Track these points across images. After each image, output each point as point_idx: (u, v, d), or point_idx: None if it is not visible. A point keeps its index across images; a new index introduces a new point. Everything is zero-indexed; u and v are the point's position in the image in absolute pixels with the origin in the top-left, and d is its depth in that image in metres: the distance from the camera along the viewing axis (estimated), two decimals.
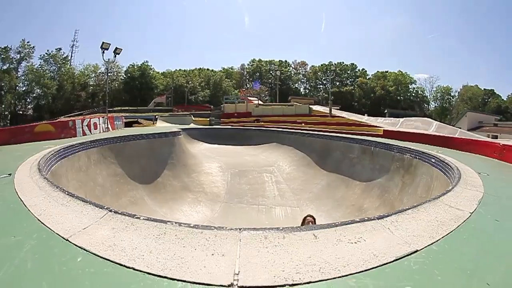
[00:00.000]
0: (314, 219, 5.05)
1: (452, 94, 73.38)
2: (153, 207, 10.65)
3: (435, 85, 74.71)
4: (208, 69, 76.21)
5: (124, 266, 2.32)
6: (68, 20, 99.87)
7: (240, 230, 2.95)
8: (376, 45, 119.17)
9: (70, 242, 2.67)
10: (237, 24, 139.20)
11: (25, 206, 3.58)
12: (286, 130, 22.16)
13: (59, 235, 2.80)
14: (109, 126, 17.82)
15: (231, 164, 15.93)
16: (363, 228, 2.98)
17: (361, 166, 12.60)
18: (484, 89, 69.64)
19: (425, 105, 75.53)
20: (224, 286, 2.12)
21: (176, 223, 3.11)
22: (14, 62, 55.48)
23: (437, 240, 2.80)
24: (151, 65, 69.27)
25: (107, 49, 18.04)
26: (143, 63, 68.14)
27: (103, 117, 17.77)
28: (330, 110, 29.58)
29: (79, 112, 38.81)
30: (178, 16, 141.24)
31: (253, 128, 25.51)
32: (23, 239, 2.75)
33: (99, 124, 16.47)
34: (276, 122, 28.59)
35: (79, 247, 2.59)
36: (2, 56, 53.64)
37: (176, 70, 74.03)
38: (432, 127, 18.57)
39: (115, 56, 19.50)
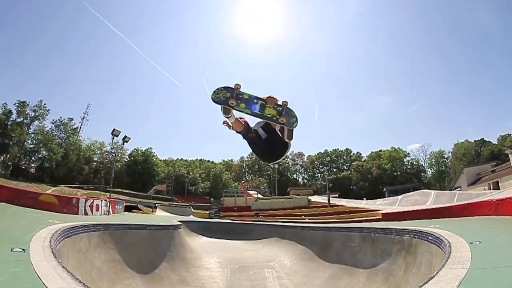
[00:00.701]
0: None
1: (445, 156, 74.42)
2: None
3: (428, 152, 76.38)
4: (208, 161, 78.92)
5: None
6: (83, 91, 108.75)
7: None
8: (369, 125, 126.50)
9: None
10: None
11: None
12: (285, 225, 22.12)
13: None
14: (110, 209, 18.24)
15: (231, 259, 15.61)
16: None
17: (362, 253, 12.40)
18: (475, 140, 71.26)
19: (422, 174, 75.78)
20: None
21: None
22: (28, 119, 57.81)
23: None
24: (154, 152, 71.68)
25: (117, 135, 19.58)
26: (146, 149, 70.82)
27: (106, 200, 18.38)
28: (329, 200, 29.92)
29: (79, 185, 38.58)
30: (183, 105, 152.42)
31: (253, 222, 25.42)
32: None
33: (101, 207, 16.98)
34: (275, 215, 28.63)
35: None
36: (19, 109, 56.08)
37: (177, 159, 76.59)
38: (431, 197, 19.02)
39: (123, 144, 21.00)
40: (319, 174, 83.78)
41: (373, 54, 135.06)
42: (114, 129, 19.55)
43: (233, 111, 3.79)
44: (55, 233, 7.23)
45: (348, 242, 13.94)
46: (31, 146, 59.79)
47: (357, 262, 12.17)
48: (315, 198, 35.34)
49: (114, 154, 25.34)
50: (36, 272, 4.19)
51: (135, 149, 70.41)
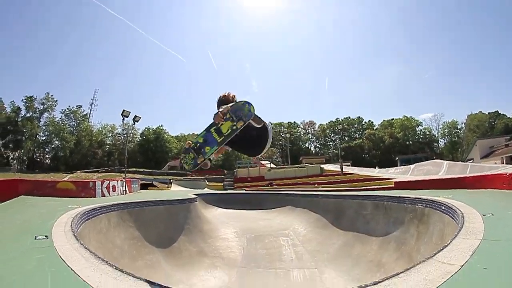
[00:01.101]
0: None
1: (458, 127, 72.82)
2: (169, 271, 10.64)
3: (441, 122, 74.69)
4: None
5: None
6: (89, 78, 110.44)
7: None
8: (379, 94, 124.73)
9: None
10: (246, 88, 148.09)
11: (79, 276, 3.52)
12: (299, 193, 22.36)
13: None
14: (126, 189, 18.75)
15: (247, 229, 16.07)
16: None
17: (375, 222, 12.55)
18: (489, 113, 69.31)
19: (435, 144, 74.62)
20: None
21: None
22: (37, 112, 60.02)
23: None
24: (165, 129, 72.30)
25: (127, 116, 19.62)
26: (158, 127, 71.60)
27: (121, 180, 18.94)
28: (341, 168, 29.91)
29: (95, 169, 39.82)
30: (191, 81, 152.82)
31: (267, 192, 25.79)
32: None
33: (118, 187, 17.36)
34: (289, 184, 28.92)
35: None
36: (27, 104, 57.90)
37: (189, 134, 76.96)
38: (443, 168, 18.77)
39: (133, 124, 21.12)
40: (331, 143, 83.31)
41: (384, 22, 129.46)
42: (124, 110, 19.61)
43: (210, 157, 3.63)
44: (75, 217, 7.56)
45: (361, 210, 14.09)
46: (44, 138, 61.92)
47: (370, 230, 12.38)
48: (327, 167, 35.37)
49: (126, 135, 25.26)
50: (60, 256, 4.35)
51: (146, 128, 71.34)
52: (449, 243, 4.57)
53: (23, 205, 8.64)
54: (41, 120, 61.24)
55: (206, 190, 28.70)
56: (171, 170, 53.29)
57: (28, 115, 58.88)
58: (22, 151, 57.00)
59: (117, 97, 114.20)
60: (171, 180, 33.59)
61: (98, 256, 4.57)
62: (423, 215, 9.69)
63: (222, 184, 34.79)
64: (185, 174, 47.25)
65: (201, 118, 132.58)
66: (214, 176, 42.42)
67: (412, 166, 22.38)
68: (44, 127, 61.24)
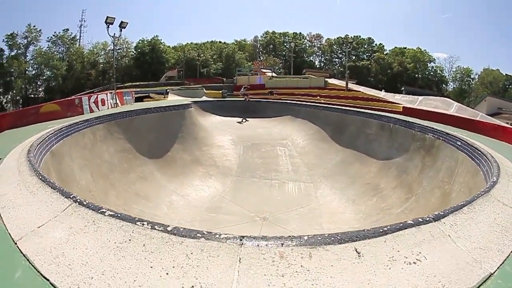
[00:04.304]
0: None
1: (472, 76, 69.92)
2: (162, 182, 10.54)
3: (455, 65, 71.15)
4: (220, 42, 74.07)
5: None
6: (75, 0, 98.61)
7: (241, 241, 2.08)
8: (394, 21, 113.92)
9: (18, 248, 2.23)
10: None
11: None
12: (300, 103, 21.50)
13: (11, 237, 2.39)
14: (117, 101, 17.27)
15: (244, 137, 15.64)
16: (420, 237, 2.23)
17: (378, 143, 12.07)
18: (506, 74, 65.77)
19: (443, 86, 72.44)
20: None
21: (149, 224, 2.31)
22: (22, 48, 55.83)
23: (508, 256, 2.13)
24: (161, 39, 67.78)
25: (112, 23, 17.23)
26: (153, 38, 66.69)
27: (111, 92, 17.32)
28: (347, 84, 28.50)
29: (90, 90, 38.76)
30: None
31: (267, 100, 24.86)
32: None
33: (107, 100, 15.96)
34: (290, 94, 27.73)
35: (23, 255, 2.13)
36: (10, 42, 54.13)
37: (187, 43, 72.16)
38: (452, 108, 17.59)
39: (120, 31, 18.67)
40: (337, 59, 78.88)
41: None
42: (107, 17, 16.99)
43: None
44: (45, 134, 6.74)
45: (364, 128, 13.50)
46: (33, 72, 57.41)
47: (371, 151, 12.00)
48: (331, 81, 33.76)
49: (113, 45, 22.63)
50: None
51: (140, 40, 66.16)
52: (497, 180, 3.87)
53: (1, 139, 7.66)
54: (27, 54, 56.51)
55: (204, 98, 27.63)
56: (168, 81, 51.28)
57: (12, 53, 54.20)
58: (14, 91, 54.23)
59: (108, 13, 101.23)
60: (168, 90, 32.10)
61: (33, 166, 4.05)
62: (432, 147, 9.15)
63: (221, 92, 33.49)
64: (182, 83, 45.52)
65: (200, 28, 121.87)
66: (212, 84, 40.85)
67: (420, 97, 21.08)
68: (32, 61, 56.89)
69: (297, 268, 1.84)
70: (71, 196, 2.87)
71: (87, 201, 2.77)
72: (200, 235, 2.12)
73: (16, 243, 2.28)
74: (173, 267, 1.88)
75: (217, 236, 2.12)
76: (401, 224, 2.36)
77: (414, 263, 1.96)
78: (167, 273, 1.83)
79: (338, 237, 2.10)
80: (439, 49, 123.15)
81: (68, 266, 1.94)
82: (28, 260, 2.06)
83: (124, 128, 11.19)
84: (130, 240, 2.14)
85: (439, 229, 2.40)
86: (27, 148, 5.32)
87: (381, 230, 2.23)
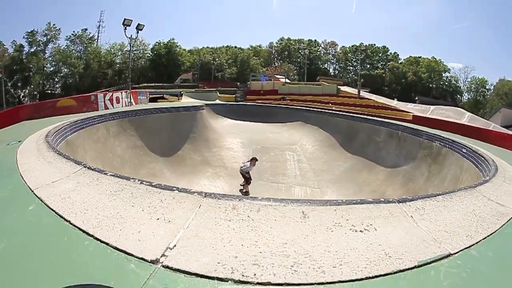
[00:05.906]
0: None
1: (487, 87, 68.33)
2: (172, 179, 10.78)
3: (470, 76, 69.75)
4: (235, 47, 74.75)
5: (63, 218, 2.33)
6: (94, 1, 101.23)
7: (205, 195, 2.54)
8: (408, 30, 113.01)
9: (34, 193, 2.84)
10: (265, 2, 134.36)
11: (17, 164, 3.88)
12: (311, 109, 21.61)
13: (29, 187, 3.01)
14: (132, 100, 17.78)
15: (254, 140, 15.84)
16: (376, 212, 2.32)
17: (386, 151, 12.10)
18: None
19: (458, 96, 71.03)
20: (145, 260, 1.72)
21: (138, 180, 2.94)
22: (41, 45, 57.65)
23: (477, 242, 2.15)
24: (177, 42, 68.83)
25: (129, 25, 17.87)
26: (169, 40, 67.79)
27: (126, 91, 17.82)
28: (359, 91, 28.45)
29: (105, 89, 39.79)
30: None
31: (279, 105, 25.03)
32: None
33: (122, 99, 16.48)
34: (302, 101, 27.85)
35: (38, 197, 2.75)
36: (30, 39, 55.97)
37: (203, 47, 72.94)
38: (465, 118, 17.40)
39: (137, 33, 19.33)
40: (351, 67, 78.40)
41: None
42: (125, 19, 17.60)
43: None
44: (61, 124, 7.17)
45: (373, 136, 13.53)
46: (51, 69, 59.43)
47: (379, 158, 12.03)
48: (344, 88, 33.72)
49: (130, 45, 23.20)
50: (17, 151, 4.55)
51: (157, 42, 67.46)
52: (489, 179, 3.96)
53: (21, 127, 8.22)
54: (46, 52, 58.50)
55: (217, 101, 27.98)
56: (183, 83, 51.91)
57: (32, 50, 56.27)
58: (32, 86, 56.43)
59: (126, 16, 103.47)
60: (182, 92, 32.56)
61: (50, 145, 4.68)
62: (439, 155, 9.19)
63: (234, 96, 33.82)
64: (197, 86, 46.04)
65: (216, 34, 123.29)
66: (226, 88, 41.16)
67: (432, 107, 20.93)
68: (50, 58, 58.98)
69: (243, 217, 2.22)
70: (82, 163, 3.55)
71: (96, 167, 3.43)
72: (175, 189, 2.69)
73: (33, 191, 2.93)
74: (149, 207, 2.42)
75: (188, 190, 2.67)
76: (359, 200, 2.53)
77: (361, 231, 2.10)
78: (142, 210, 2.38)
79: (290, 201, 2.43)
80: (454, 59, 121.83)
81: (71, 203, 2.56)
82: (40, 199, 2.72)
83: (137, 125, 11.54)
84: (122, 190, 2.78)
85: (401, 210, 2.51)
86: (44, 134, 5.77)
87: (334, 201, 2.46)
